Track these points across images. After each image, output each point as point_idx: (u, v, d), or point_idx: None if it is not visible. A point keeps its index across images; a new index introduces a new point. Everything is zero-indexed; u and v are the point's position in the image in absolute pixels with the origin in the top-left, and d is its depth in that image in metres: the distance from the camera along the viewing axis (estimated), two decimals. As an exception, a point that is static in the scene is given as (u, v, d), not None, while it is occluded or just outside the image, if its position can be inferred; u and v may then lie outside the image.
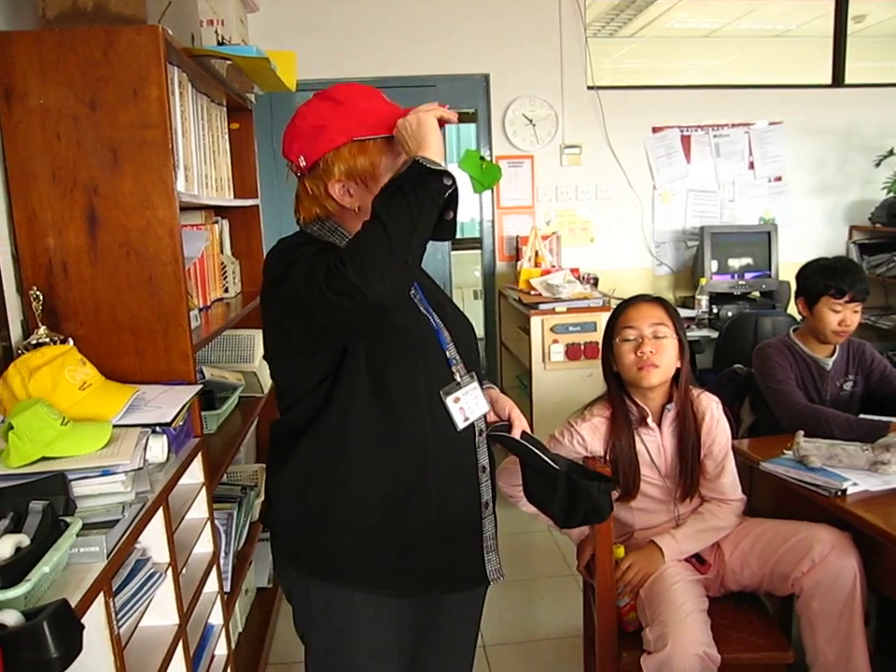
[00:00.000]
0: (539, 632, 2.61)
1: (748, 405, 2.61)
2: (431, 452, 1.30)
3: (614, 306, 2.06)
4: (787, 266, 4.25)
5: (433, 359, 1.33)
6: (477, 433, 1.37)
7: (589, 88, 4.22)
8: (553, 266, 4.11)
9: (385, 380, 1.27)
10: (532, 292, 3.85)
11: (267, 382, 2.62)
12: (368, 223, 1.16)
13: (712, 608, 1.84)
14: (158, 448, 1.50)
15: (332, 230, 1.34)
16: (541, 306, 3.62)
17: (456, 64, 4.10)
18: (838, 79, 4.45)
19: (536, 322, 3.63)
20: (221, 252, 2.61)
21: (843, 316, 2.29)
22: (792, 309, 4.09)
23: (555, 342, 3.69)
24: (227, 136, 2.59)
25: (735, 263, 4.24)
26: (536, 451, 1.37)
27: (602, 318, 3.72)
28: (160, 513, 1.44)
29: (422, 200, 1.14)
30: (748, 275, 4.20)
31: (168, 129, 1.67)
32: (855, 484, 1.77)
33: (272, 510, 1.37)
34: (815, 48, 4.91)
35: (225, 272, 2.60)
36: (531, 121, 4.23)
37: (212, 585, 1.83)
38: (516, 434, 1.39)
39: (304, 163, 1.30)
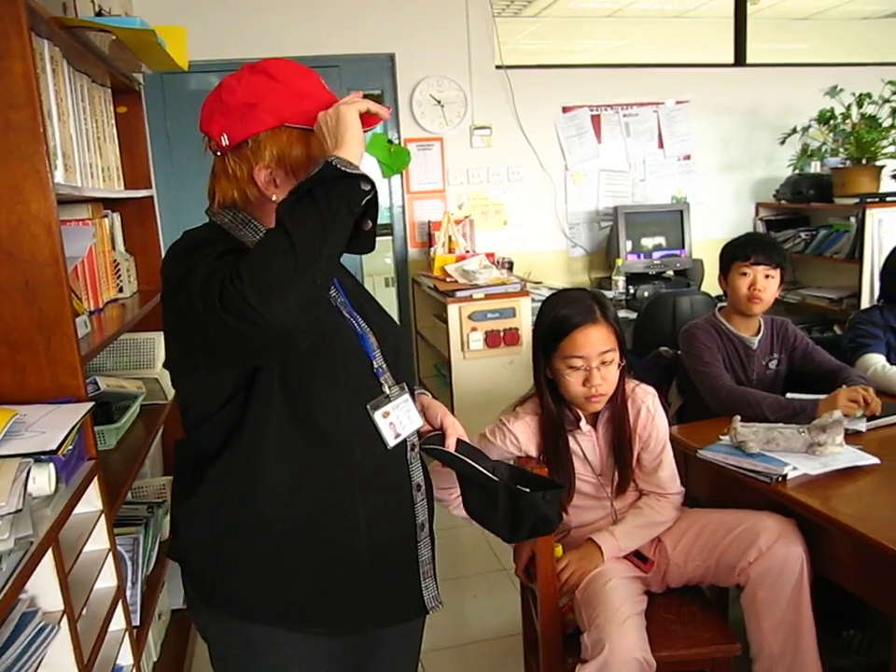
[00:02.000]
0: (475, 633, 2.52)
1: (675, 388, 2.57)
2: (358, 474, 1.16)
3: (543, 300, 1.93)
4: (699, 244, 4.30)
5: (358, 370, 1.18)
6: (409, 448, 1.24)
7: (497, 67, 4.12)
8: (468, 251, 4.01)
9: (303, 397, 1.12)
10: (448, 279, 3.74)
11: (169, 386, 2.40)
12: (271, 231, 1.01)
13: (656, 602, 1.79)
14: (43, 480, 1.30)
15: (245, 222, 1.18)
16: (458, 293, 3.52)
17: (360, 44, 3.92)
18: (740, 59, 4.50)
19: (453, 310, 3.53)
20: (113, 248, 2.36)
21: (752, 279, 2.29)
22: (706, 287, 4.15)
23: (474, 329, 3.60)
24: (113, 121, 2.35)
25: (648, 243, 4.25)
26: (472, 463, 1.24)
27: (521, 304, 3.65)
28: (48, 556, 1.25)
29: (335, 207, 0.99)
30: (662, 254, 4.22)
31: (38, 111, 1.45)
32: (795, 469, 1.74)
33: (179, 542, 1.21)
34: (714, 28, 4.97)
35: (119, 270, 2.36)
36: (439, 102, 4.10)
37: (118, 622, 1.63)
38: (450, 445, 1.26)
39: (227, 143, 1.13)
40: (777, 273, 2.30)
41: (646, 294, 3.98)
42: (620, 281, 4.01)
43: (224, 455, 1.12)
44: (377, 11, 3.90)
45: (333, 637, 1.19)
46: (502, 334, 3.62)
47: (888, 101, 3.84)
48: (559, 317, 1.77)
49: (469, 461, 1.25)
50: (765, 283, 2.29)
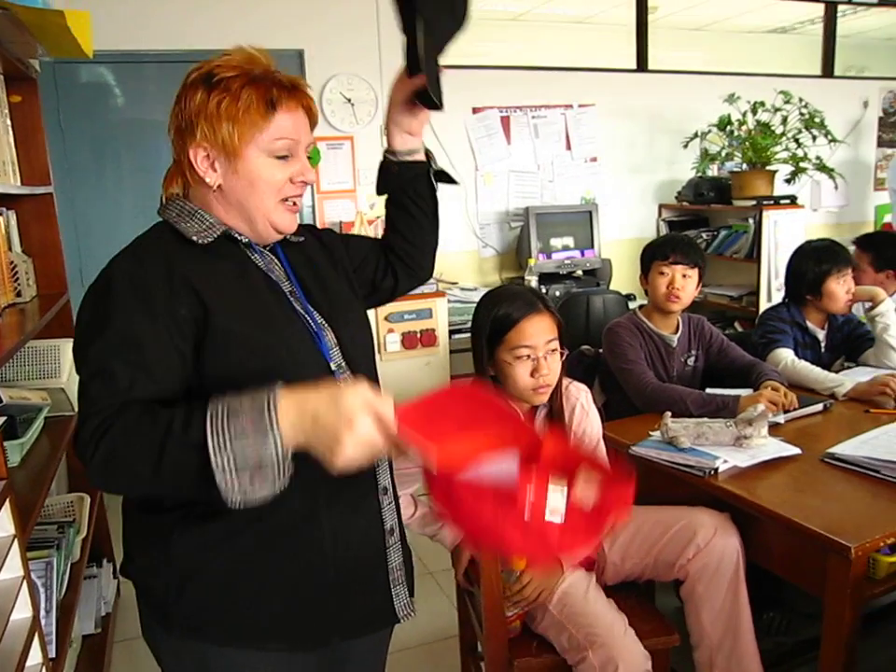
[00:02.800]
0: (407, 639, 2.47)
1: (598, 385, 2.61)
2: (321, 483, 1.08)
3: (478, 298, 1.91)
4: (607, 244, 4.41)
5: (314, 374, 1.08)
6: None
7: (409, 67, 4.08)
8: (382, 252, 3.95)
9: None
10: (363, 280, 3.68)
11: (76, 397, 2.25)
12: (154, 437, 0.90)
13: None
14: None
15: (191, 213, 1.11)
16: (375, 294, 3.46)
17: (268, 38, 3.70)
18: (642, 65, 4.65)
19: (369, 311, 3.46)
20: (10, 249, 2.19)
21: (671, 279, 2.35)
22: (615, 285, 4.26)
23: (391, 331, 3.56)
24: (7, 111, 2.18)
25: (558, 243, 4.32)
26: None
27: (437, 304, 3.64)
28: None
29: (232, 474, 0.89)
30: (572, 254, 4.29)
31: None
32: (725, 462, 1.79)
33: (133, 562, 1.13)
34: (614, 34, 5.11)
35: (16, 272, 2.19)
36: (350, 101, 4.04)
37: (35, 657, 1.50)
38: None
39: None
40: (695, 273, 2.37)
41: (557, 294, 4.04)
42: (532, 281, 4.05)
43: None
44: (286, 5, 3.79)
45: (297, 651, 1.13)
46: (419, 335, 3.60)
47: (779, 109, 4.06)
48: (503, 310, 1.74)
49: None
50: (683, 282, 2.35)
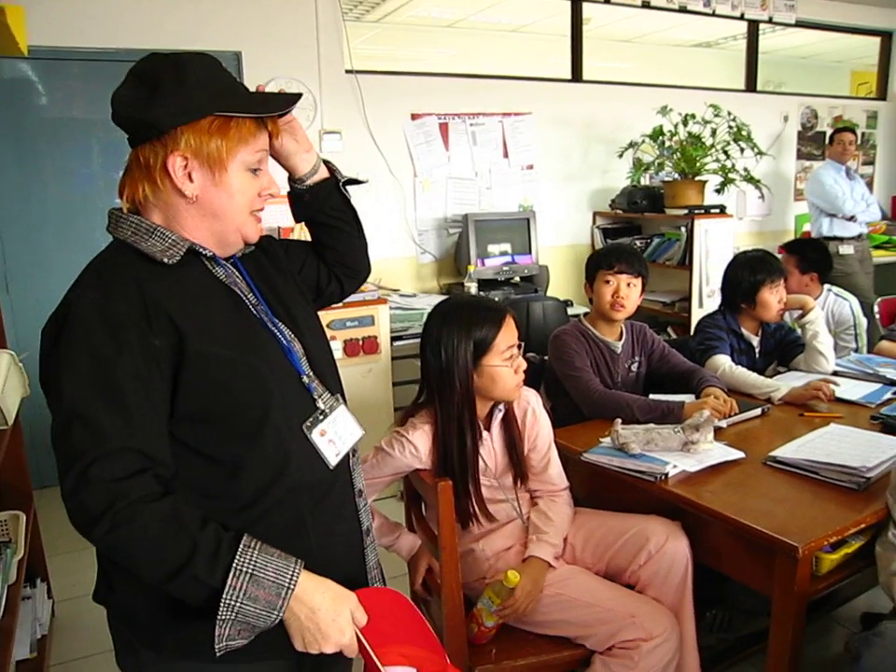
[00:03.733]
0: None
1: (543, 392, 2.65)
2: (306, 496, 1.11)
3: (435, 314, 1.88)
4: (544, 251, 4.48)
5: (289, 391, 1.12)
6: (351, 454, 1.20)
7: (347, 72, 4.07)
8: (322, 258, 3.91)
9: (228, 441, 1.06)
10: (304, 287, 3.64)
11: (10, 410, 2.14)
12: (183, 543, 0.97)
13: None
14: None
15: (150, 231, 1.07)
16: (316, 302, 3.43)
17: (204, 39, 3.70)
18: (577, 75, 4.74)
19: (312, 318, 3.43)
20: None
21: (615, 287, 2.40)
22: (552, 291, 4.33)
23: (333, 338, 3.52)
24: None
25: (496, 249, 4.36)
26: None
27: (379, 311, 3.62)
28: None
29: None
30: (510, 261, 4.34)
31: None
32: (675, 467, 1.84)
33: (111, 586, 1.10)
34: (548, 44, 5.20)
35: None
36: (288, 105, 3.98)
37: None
38: None
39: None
40: (639, 282, 2.43)
41: (497, 300, 4.07)
42: (472, 287, 4.08)
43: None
44: (223, 6, 3.71)
45: (287, 659, 1.12)
46: (361, 342, 3.58)
47: (708, 122, 4.20)
48: (487, 317, 1.77)
49: None
50: (628, 291, 2.41)
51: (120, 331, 0.98)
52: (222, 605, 0.95)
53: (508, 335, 1.78)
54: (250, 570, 0.97)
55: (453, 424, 1.76)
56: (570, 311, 4.01)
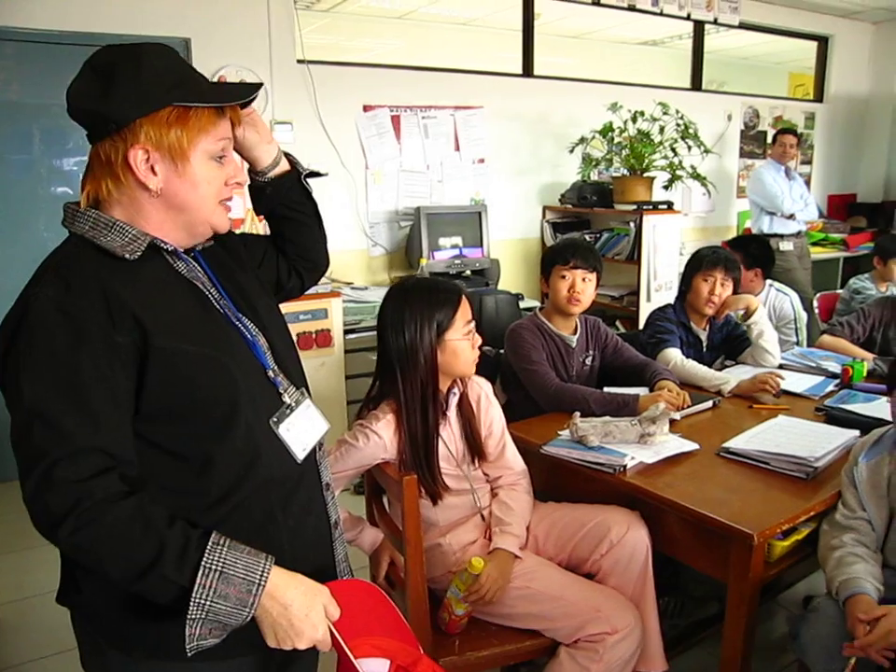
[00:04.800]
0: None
1: (499, 385, 2.67)
2: (276, 491, 1.10)
3: (392, 295, 1.89)
4: (494, 244, 4.51)
5: (255, 385, 1.11)
6: (318, 448, 1.20)
7: (299, 62, 4.01)
8: (272, 250, 3.86)
9: (197, 438, 1.05)
10: (256, 279, 3.59)
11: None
12: (150, 541, 0.95)
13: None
14: None
15: (109, 225, 1.04)
16: (269, 294, 3.38)
17: (152, 24, 3.61)
18: (528, 70, 4.77)
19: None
20: None
21: (571, 282, 2.43)
22: (503, 285, 4.37)
23: (286, 331, 3.48)
24: None
25: (447, 242, 4.37)
26: None
27: (332, 304, 3.60)
28: None
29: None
30: (461, 254, 4.35)
31: None
32: (633, 459, 1.88)
33: (77, 587, 1.07)
34: (499, 38, 5.22)
35: None
36: (238, 94, 3.91)
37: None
38: None
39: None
40: (593, 277, 2.47)
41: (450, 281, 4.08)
42: (425, 280, 4.08)
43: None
44: (172, -10, 3.63)
45: (249, 656, 1.12)
46: (314, 336, 3.55)
47: (657, 119, 4.28)
48: (446, 296, 1.80)
49: None
50: (584, 286, 2.44)
51: (82, 329, 0.95)
52: (192, 604, 0.94)
53: (465, 311, 1.82)
54: (219, 568, 0.95)
55: (416, 402, 1.77)
56: (522, 305, 4.05)
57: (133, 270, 1.03)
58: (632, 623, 1.67)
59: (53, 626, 2.35)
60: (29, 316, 0.96)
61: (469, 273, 4.39)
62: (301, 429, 1.14)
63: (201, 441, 1.05)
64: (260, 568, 0.98)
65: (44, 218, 3.60)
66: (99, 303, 0.97)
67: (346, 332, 3.68)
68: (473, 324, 1.84)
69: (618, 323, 4.34)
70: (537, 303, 4.44)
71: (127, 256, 1.02)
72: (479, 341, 1.84)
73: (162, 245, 1.07)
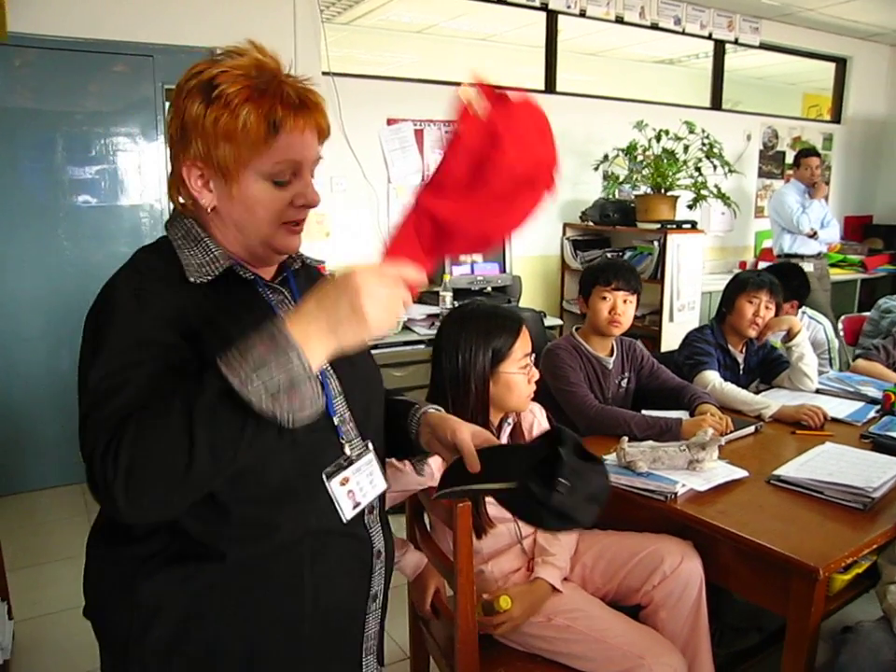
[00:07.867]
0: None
1: (533, 405, 2.63)
2: (307, 555, 1.01)
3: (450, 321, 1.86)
4: (514, 261, 4.47)
5: (312, 431, 0.93)
6: (368, 511, 1.10)
7: (324, 74, 3.99)
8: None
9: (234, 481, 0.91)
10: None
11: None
12: (172, 426, 0.80)
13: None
14: None
15: (197, 240, 1.00)
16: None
17: (179, 34, 3.59)
18: (551, 86, 4.76)
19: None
20: None
21: (612, 304, 2.40)
22: (523, 302, 4.33)
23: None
24: None
25: (468, 258, 4.32)
26: (485, 487, 1.05)
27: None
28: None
29: (259, 432, 0.82)
30: (483, 270, 4.32)
31: None
32: (683, 486, 1.84)
33: (99, 599, 1.05)
34: (520, 54, 5.21)
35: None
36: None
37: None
38: (472, 466, 1.04)
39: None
40: (634, 299, 2.44)
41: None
42: (448, 296, 4.04)
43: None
44: (201, 1, 3.61)
45: None
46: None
47: (681, 138, 4.26)
48: (505, 325, 1.77)
49: (481, 485, 1.05)
50: (624, 307, 2.41)
51: (153, 343, 0.91)
52: (240, 391, 0.79)
53: (524, 344, 1.78)
54: (235, 352, 0.81)
55: None
56: (547, 323, 4.02)
57: (209, 292, 0.98)
58: (677, 670, 1.60)
59: (73, 644, 2.31)
60: (92, 311, 0.96)
61: (490, 289, 4.35)
62: (355, 485, 1.04)
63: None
64: (267, 322, 0.83)
65: (64, 226, 3.57)
66: (171, 322, 0.93)
67: (370, 348, 3.64)
68: (532, 357, 1.79)
69: (639, 342, 4.29)
70: (559, 322, 4.42)
71: (192, 279, 0.97)
72: (536, 375, 1.79)
73: (242, 273, 1.02)
